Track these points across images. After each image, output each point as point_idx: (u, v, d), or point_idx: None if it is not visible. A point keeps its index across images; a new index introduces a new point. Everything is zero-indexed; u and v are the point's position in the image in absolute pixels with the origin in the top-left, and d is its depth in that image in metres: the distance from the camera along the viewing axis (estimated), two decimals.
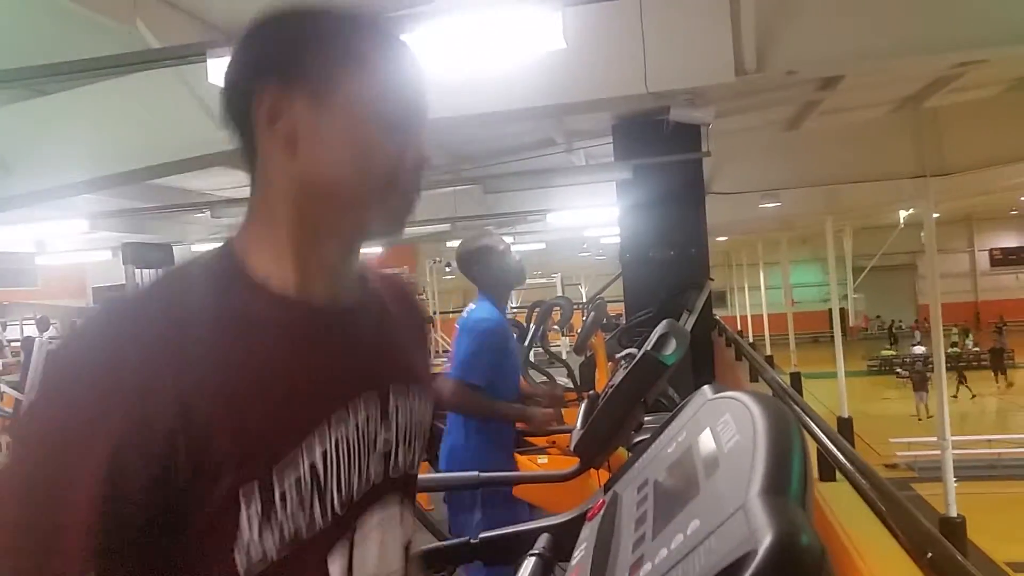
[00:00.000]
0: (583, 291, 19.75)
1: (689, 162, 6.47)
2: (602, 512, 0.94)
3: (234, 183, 8.23)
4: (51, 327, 11.15)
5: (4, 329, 14.37)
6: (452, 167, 8.76)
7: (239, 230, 0.87)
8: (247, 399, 0.77)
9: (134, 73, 4.73)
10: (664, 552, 0.61)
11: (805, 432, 0.65)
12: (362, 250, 0.91)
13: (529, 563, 1.01)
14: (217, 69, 3.21)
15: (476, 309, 3.14)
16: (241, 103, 0.83)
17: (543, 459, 3.94)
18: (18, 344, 11.23)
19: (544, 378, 6.65)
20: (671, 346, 1.61)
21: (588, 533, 0.92)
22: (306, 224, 0.84)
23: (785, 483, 0.56)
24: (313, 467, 0.80)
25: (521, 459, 3.79)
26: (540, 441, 4.19)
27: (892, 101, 8.86)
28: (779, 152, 9.57)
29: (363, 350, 0.90)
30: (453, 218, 10.15)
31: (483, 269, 3.15)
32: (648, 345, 1.61)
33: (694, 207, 6.62)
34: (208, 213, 8.13)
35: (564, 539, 1.03)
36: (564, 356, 8.84)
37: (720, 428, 0.73)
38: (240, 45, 0.85)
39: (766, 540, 0.48)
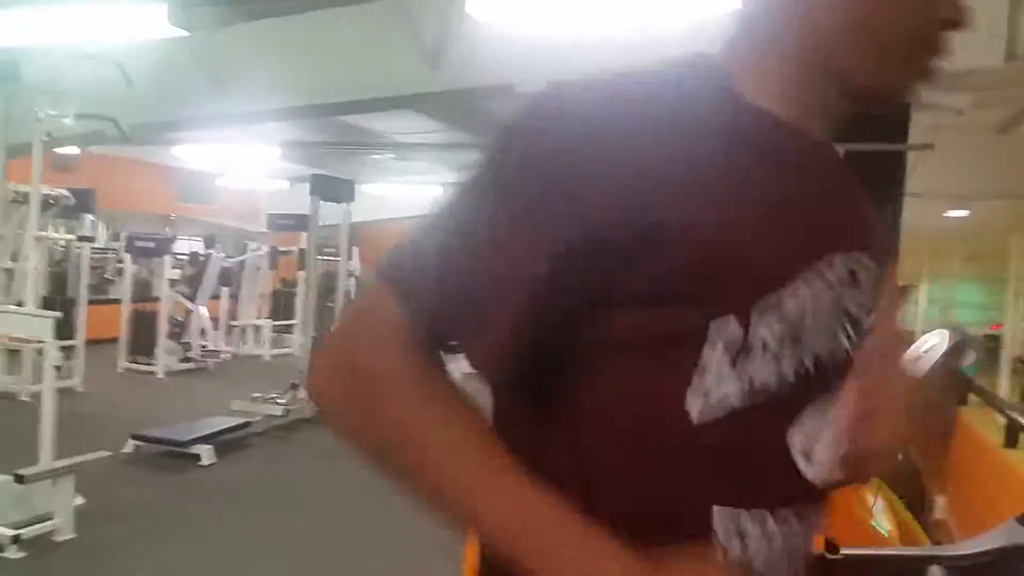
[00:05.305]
0: None
1: (891, 153, 5.98)
2: None
3: (415, 128, 8.28)
4: (217, 245, 11.87)
5: (175, 241, 15.31)
6: None
7: (719, 58, 0.78)
8: (739, 223, 0.69)
9: (355, 4, 4.82)
10: None
11: None
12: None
13: None
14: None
15: None
16: None
17: None
18: (185, 258, 11.87)
19: None
20: (970, 356, 1.47)
21: None
22: (804, 63, 0.76)
23: None
24: (790, 315, 0.70)
25: None
26: None
27: None
28: (981, 157, 8.79)
29: (840, 205, 0.80)
30: None
31: None
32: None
33: (888, 205, 6.14)
34: (385, 155, 8.27)
35: None
36: None
37: None
38: None
39: None
